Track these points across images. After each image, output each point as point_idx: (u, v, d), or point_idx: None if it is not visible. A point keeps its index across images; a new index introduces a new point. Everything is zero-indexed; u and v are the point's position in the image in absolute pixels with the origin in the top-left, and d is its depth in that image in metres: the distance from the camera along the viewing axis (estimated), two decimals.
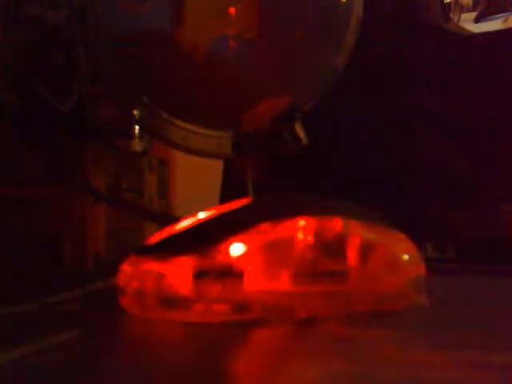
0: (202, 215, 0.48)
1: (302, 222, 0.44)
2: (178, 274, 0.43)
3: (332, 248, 0.45)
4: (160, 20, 0.53)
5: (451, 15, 0.98)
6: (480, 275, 0.64)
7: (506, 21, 0.99)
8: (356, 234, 0.46)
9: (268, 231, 0.44)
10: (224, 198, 0.78)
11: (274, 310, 0.44)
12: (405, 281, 0.47)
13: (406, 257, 0.48)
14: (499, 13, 1.02)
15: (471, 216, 0.74)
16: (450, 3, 0.99)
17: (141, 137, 0.60)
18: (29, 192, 0.55)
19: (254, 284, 0.43)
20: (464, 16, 1.08)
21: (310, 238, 0.45)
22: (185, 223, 0.47)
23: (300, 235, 0.44)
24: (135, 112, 0.58)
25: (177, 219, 0.48)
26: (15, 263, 0.52)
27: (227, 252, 0.43)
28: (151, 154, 0.70)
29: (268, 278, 0.44)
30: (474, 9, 1.13)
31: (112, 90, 0.60)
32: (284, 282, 0.44)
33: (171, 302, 0.43)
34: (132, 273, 0.45)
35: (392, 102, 0.76)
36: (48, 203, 0.56)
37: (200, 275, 0.42)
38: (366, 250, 0.46)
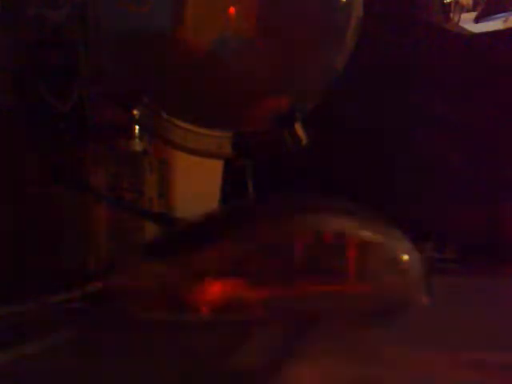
0: (202, 216, 0.48)
1: (301, 222, 0.44)
2: (178, 274, 0.43)
3: (332, 248, 0.45)
4: (160, 20, 0.53)
5: (451, 15, 0.98)
6: (480, 275, 0.64)
7: (506, 21, 0.99)
8: (356, 233, 0.46)
9: (268, 231, 0.44)
10: (224, 198, 0.78)
11: (273, 310, 0.44)
12: (405, 281, 0.47)
13: (405, 257, 0.48)
14: (499, 13, 1.01)
15: (471, 216, 0.74)
16: (449, 3, 0.99)
17: (141, 137, 0.60)
18: (29, 192, 0.55)
19: (254, 284, 0.43)
20: (464, 16, 1.08)
21: (310, 238, 0.45)
22: (185, 224, 0.47)
23: (300, 235, 0.44)
24: (135, 112, 0.58)
25: (177, 219, 0.48)
26: (15, 263, 0.52)
27: (227, 252, 0.43)
28: (151, 153, 0.70)
29: (268, 278, 0.43)
30: (474, 9, 1.13)
31: (112, 90, 0.60)
32: (284, 282, 0.44)
33: (171, 302, 0.43)
34: (132, 273, 0.45)
35: (392, 101, 0.76)
36: (48, 203, 0.56)
37: (200, 275, 0.42)
38: (365, 250, 0.46)
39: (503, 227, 0.73)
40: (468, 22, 1.04)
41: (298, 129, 0.60)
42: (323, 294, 0.45)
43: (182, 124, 0.60)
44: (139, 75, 0.58)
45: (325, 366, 0.34)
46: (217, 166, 0.78)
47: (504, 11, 1.01)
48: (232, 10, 0.52)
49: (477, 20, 1.06)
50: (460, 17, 1.06)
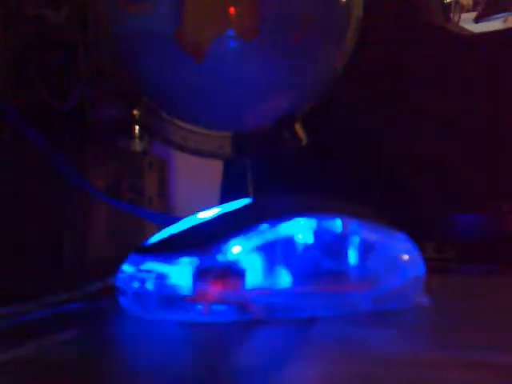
0: (201, 215, 0.48)
1: (301, 222, 0.44)
2: (178, 274, 0.43)
3: (332, 248, 0.45)
4: (160, 20, 0.53)
5: (451, 15, 0.98)
6: (480, 275, 0.64)
7: (505, 21, 0.99)
8: (356, 234, 0.46)
9: (268, 231, 0.44)
10: (224, 198, 0.78)
11: (274, 309, 0.44)
12: (405, 281, 0.48)
13: (405, 257, 0.48)
14: (499, 13, 1.02)
15: (471, 216, 0.74)
16: (449, 3, 0.99)
17: (141, 137, 0.60)
18: (29, 192, 0.55)
19: (254, 284, 0.43)
20: (464, 16, 1.08)
21: (310, 238, 0.45)
22: (185, 223, 0.47)
23: (300, 235, 0.44)
24: (135, 112, 0.58)
25: (177, 219, 0.48)
26: (15, 263, 0.52)
27: (227, 252, 0.43)
28: (151, 153, 0.70)
29: (268, 277, 0.44)
30: (474, 9, 1.13)
31: (112, 90, 0.60)
32: (284, 282, 0.44)
33: (171, 301, 0.43)
34: (132, 273, 0.45)
35: (392, 101, 0.76)
36: (48, 203, 0.56)
37: (200, 275, 0.42)
38: (365, 250, 0.46)
39: (503, 227, 0.73)
40: (468, 22, 1.04)
41: (298, 129, 0.60)
42: (323, 294, 0.45)
43: (182, 124, 0.61)
44: (139, 75, 0.58)
45: (324, 366, 0.34)
46: (217, 166, 0.79)
47: (504, 11, 1.01)
48: (232, 9, 0.52)
49: (477, 20, 1.06)
50: (460, 17, 1.07)
